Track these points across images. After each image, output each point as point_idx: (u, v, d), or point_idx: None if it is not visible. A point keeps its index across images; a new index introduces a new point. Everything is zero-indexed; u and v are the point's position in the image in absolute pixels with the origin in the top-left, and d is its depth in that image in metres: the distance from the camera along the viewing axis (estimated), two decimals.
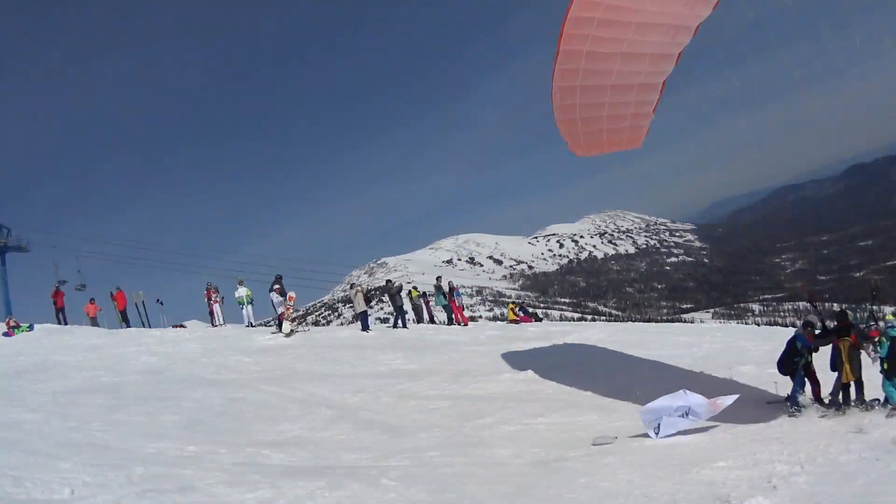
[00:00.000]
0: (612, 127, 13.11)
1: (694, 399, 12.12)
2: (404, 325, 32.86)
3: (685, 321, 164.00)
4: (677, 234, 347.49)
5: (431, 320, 36.82)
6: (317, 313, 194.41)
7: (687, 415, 12.01)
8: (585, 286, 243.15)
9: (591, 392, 17.51)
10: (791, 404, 12.41)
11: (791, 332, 15.52)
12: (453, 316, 35.12)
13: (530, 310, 48.65)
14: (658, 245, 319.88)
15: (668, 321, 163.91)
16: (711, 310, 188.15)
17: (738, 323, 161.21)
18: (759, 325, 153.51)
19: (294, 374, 20.84)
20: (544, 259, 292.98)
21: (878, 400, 11.62)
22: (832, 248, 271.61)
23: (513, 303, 45.02)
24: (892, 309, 11.54)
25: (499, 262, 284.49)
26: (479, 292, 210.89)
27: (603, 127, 13.08)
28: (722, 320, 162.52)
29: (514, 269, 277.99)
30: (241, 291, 30.93)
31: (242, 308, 30.68)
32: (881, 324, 11.92)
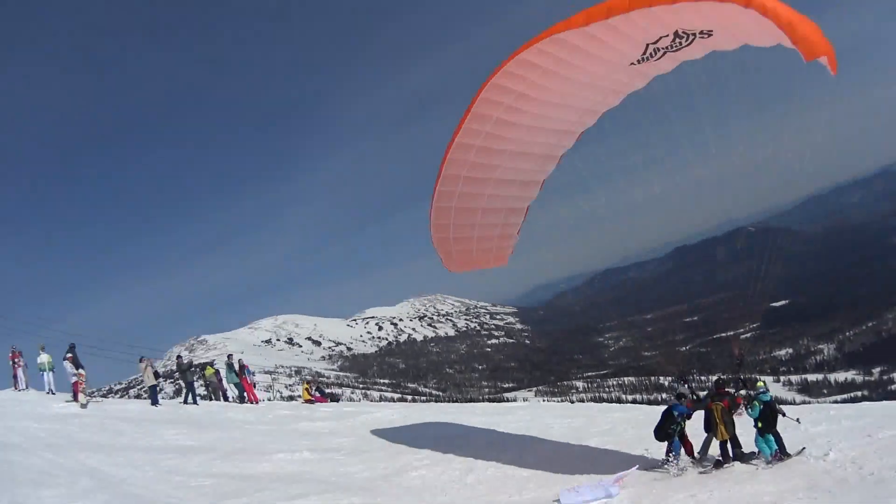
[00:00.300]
0: (482, 247, 13.94)
1: (610, 486, 12.47)
2: (194, 402, 32.87)
3: (507, 400, 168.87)
4: (498, 316, 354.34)
5: (224, 398, 36.84)
6: (138, 387, 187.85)
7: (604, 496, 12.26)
8: (405, 367, 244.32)
9: (365, 475, 17.25)
10: (672, 463, 13.24)
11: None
12: (245, 394, 35.18)
13: (327, 390, 48.93)
14: (478, 328, 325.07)
15: (489, 401, 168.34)
16: (534, 388, 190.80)
17: (561, 400, 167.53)
18: (583, 401, 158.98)
19: (73, 442, 20.31)
20: (363, 341, 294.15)
21: (755, 453, 12.98)
22: (657, 326, 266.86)
23: (307, 382, 44.04)
24: (764, 378, 11.74)
25: (318, 344, 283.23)
26: (297, 372, 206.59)
27: (473, 246, 13.84)
28: (545, 398, 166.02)
29: (333, 350, 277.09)
30: (43, 358, 30.46)
31: (44, 374, 30.21)
32: (751, 392, 13.55)
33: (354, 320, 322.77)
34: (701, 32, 10.36)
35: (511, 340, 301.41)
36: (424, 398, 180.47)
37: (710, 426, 13.28)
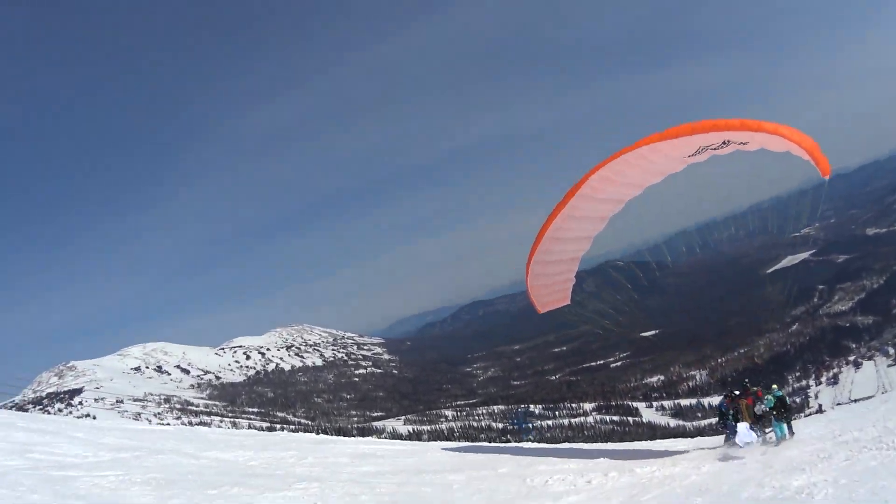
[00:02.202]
0: (555, 290, 19.03)
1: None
2: None
3: (376, 429, 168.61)
4: (366, 347, 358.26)
5: None
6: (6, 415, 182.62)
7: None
8: (273, 396, 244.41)
9: None
10: (733, 441, 17.56)
11: None
12: None
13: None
14: (346, 357, 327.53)
15: (359, 430, 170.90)
16: (403, 417, 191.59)
17: (431, 427, 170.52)
18: (453, 430, 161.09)
19: None
20: (231, 370, 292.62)
21: (775, 432, 17.59)
22: (526, 356, 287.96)
23: None
24: (775, 385, 16.28)
25: (186, 372, 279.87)
26: (166, 400, 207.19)
27: (552, 290, 18.93)
28: (415, 426, 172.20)
29: (202, 378, 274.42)
30: None
31: None
32: (766, 392, 17.92)
33: (223, 349, 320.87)
34: (741, 142, 14.84)
35: (378, 370, 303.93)
36: (292, 427, 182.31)
37: (738, 416, 18.11)
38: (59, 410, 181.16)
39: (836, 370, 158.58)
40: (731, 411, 17.73)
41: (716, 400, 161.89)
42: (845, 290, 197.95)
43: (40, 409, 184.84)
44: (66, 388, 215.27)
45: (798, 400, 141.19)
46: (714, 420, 19.48)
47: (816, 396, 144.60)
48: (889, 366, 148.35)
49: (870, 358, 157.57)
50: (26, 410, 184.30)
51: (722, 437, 19.09)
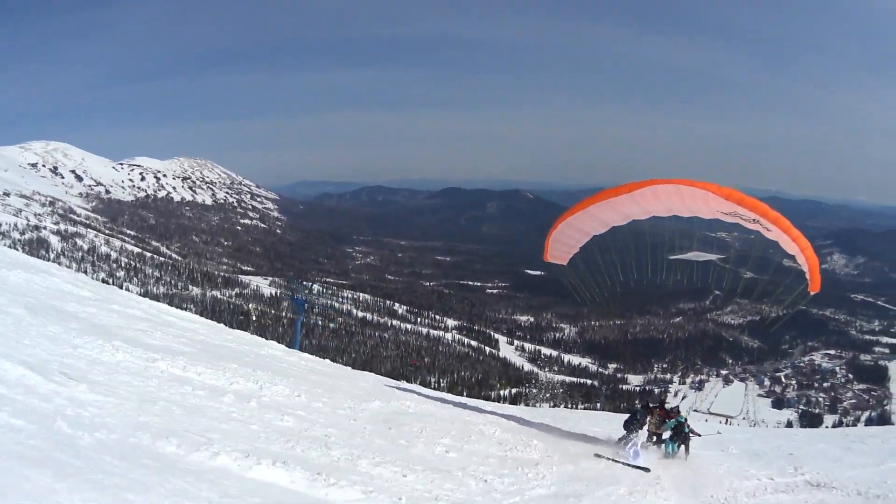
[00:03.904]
0: (561, 250, 20.44)
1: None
2: None
3: (242, 283, 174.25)
4: (259, 199, 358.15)
5: None
6: None
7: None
8: (154, 224, 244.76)
9: None
10: (628, 444, 17.80)
11: None
12: None
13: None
14: (236, 204, 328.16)
15: (223, 278, 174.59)
16: (269, 278, 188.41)
17: (294, 296, 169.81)
18: (314, 304, 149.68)
19: None
20: (123, 187, 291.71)
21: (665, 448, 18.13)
22: (408, 254, 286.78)
23: None
24: (687, 407, 19.89)
25: (80, 179, 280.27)
26: (51, 203, 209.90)
27: (559, 248, 20.41)
28: (278, 290, 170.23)
29: (93, 189, 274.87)
30: None
31: None
32: (675, 416, 18.44)
33: (121, 164, 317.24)
34: (766, 228, 15.93)
35: (264, 225, 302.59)
36: (162, 258, 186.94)
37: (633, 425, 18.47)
38: None
39: (704, 377, 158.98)
40: (642, 418, 18.46)
41: (578, 360, 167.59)
42: (741, 305, 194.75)
43: None
44: None
45: (656, 390, 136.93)
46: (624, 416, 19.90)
47: (675, 394, 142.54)
48: (759, 395, 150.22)
49: (742, 380, 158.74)
50: None
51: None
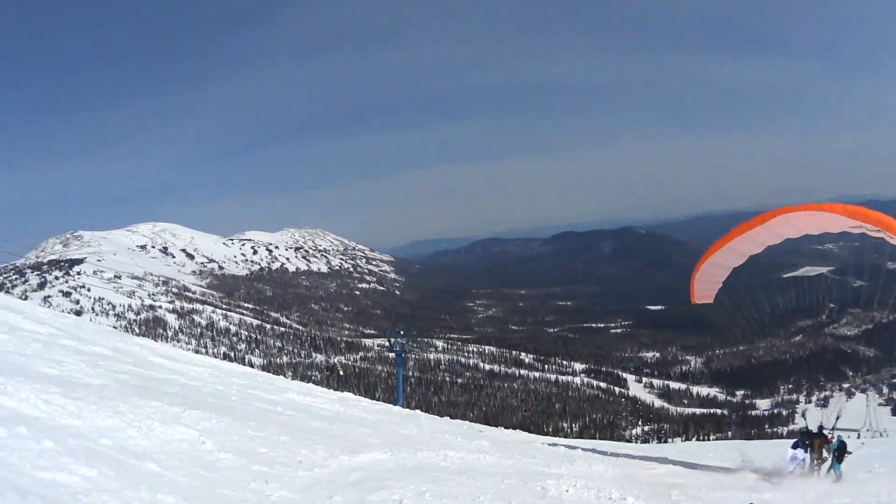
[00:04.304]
0: (707, 288, 20.91)
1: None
2: None
3: (365, 346, 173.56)
4: (374, 262, 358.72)
5: None
6: (4, 275, 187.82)
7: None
8: (272, 295, 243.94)
9: None
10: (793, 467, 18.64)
11: None
12: None
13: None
14: (352, 269, 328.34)
15: (347, 343, 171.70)
16: (394, 339, 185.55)
17: (417, 355, 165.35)
18: (440, 361, 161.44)
19: None
20: (236, 262, 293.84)
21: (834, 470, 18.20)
22: (529, 303, 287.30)
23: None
24: (839, 434, 17.54)
25: (191, 257, 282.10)
26: (165, 283, 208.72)
27: (704, 288, 20.89)
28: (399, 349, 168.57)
29: (206, 266, 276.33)
30: None
31: None
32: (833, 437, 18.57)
33: (231, 240, 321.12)
34: (876, 231, 16.49)
35: (382, 288, 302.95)
36: (283, 328, 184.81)
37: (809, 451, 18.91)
38: (56, 278, 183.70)
39: (828, 393, 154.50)
40: (806, 444, 18.65)
41: (707, 391, 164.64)
42: (854, 315, 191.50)
43: (38, 275, 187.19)
44: (68, 257, 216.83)
45: (784, 413, 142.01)
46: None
47: (803, 415, 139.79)
48: (879, 404, 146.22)
49: (863, 391, 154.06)
50: (24, 274, 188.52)
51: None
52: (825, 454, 18.18)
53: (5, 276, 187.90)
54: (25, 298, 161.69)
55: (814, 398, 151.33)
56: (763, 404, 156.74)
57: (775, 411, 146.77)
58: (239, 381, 25.49)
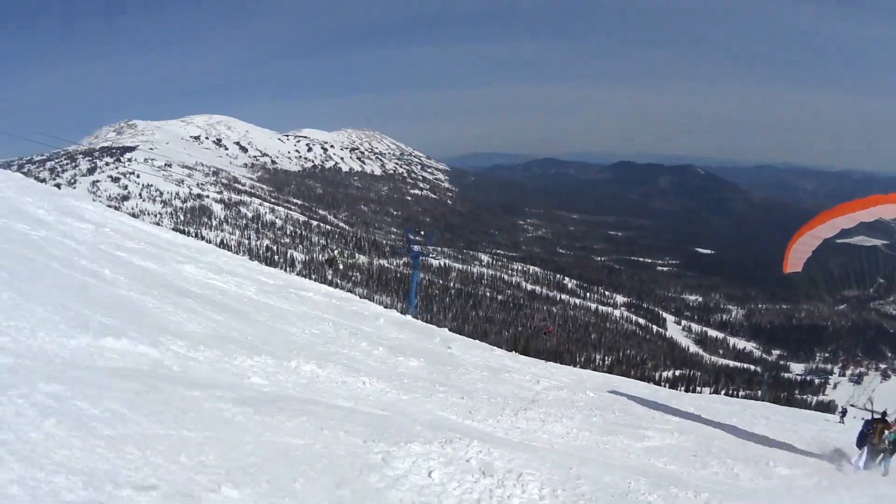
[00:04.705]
0: (793, 261, 20.41)
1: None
2: None
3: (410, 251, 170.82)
4: (429, 169, 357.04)
5: None
6: (56, 160, 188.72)
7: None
8: (322, 193, 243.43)
9: None
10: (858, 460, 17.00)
11: None
12: None
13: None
14: (406, 174, 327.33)
15: (390, 247, 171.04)
16: (440, 248, 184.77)
17: (462, 266, 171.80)
18: (482, 276, 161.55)
19: None
20: (289, 158, 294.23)
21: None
22: (580, 228, 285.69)
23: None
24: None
25: (244, 150, 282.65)
26: (215, 174, 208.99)
27: (796, 259, 20.37)
28: (447, 260, 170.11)
29: (258, 160, 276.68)
30: None
31: None
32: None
33: (287, 135, 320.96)
34: None
35: (434, 196, 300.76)
36: (330, 226, 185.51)
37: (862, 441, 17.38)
38: (107, 164, 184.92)
39: (863, 370, 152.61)
40: (870, 432, 17.25)
41: (744, 344, 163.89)
42: None
43: (89, 160, 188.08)
44: (121, 144, 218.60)
45: (817, 381, 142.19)
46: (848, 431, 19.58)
47: (835, 387, 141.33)
48: None
49: None
50: (75, 160, 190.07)
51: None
52: (886, 444, 16.71)
53: (57, 160, 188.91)
54: (74, 183, 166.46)
55: (848, 372, 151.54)
56: (797, 368, 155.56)
57: (808, 378, 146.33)
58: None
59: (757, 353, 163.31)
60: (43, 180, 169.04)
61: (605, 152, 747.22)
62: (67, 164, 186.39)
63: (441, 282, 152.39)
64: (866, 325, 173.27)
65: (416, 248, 48.24)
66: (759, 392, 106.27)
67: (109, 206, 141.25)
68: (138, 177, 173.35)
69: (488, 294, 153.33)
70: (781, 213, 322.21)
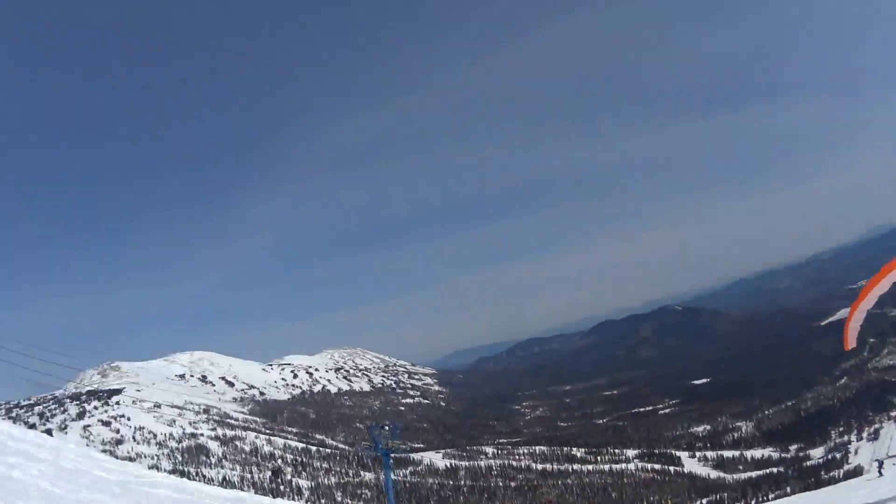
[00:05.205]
0: (854, 333, 20.74)
1: None
2: None
3: (414, 461, 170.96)
4: (416, 376, 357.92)
5: None
6: (44, 405, 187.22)
7: None
8: (315, 418, 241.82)
9: None
10: None
11: None
12: None
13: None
14: (394, 385, 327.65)
15: (394, 459, 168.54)
16: (442, 451, 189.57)
17: (469, 463, 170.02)
18: (491, 468, 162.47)
19: None
20: (277, 387, 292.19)
21: None
22: (576, 398, 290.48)
23: None
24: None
25: (231, 385, 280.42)
26: (205, 411, 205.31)
27: (853, 333, 20.68)
28: (453, 461, 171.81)
29: (246, 392, 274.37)
30: None
31: None
32: None
33: (271, 365, 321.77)
34: None
35: (426, 401, 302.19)
36: (329, 450, 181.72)
37: None
38: (95, 408, 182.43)
39: (877, 425, 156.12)
40: None
41: (760, 453, 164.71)
42: (895, 344, 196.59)
43: (77, 405, 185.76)
44: (107, 387, 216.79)
45: (838, 456, 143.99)
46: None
47: (856, 452, 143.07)
48: None
49: None
50: (63, 405, 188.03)
51: None
52: None
53: (45, 405, 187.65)
54: (65, 428, 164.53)
55: (864, 434, 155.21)
56: (817, 453, 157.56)
57: (829, 457, 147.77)
58: None
59: (776, 455, 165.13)
60: (33, 425, 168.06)
61: (583, 319, 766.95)
62: (56, 408, 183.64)
63: (451, 482, 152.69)
64: (869, 387, 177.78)
65: (382, 445, 44.98)
66: (788, 489, 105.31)
67: (104, 451, 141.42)
68: (129, 419, 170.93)
69: (500, 483, 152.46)
70: (764, 321, 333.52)
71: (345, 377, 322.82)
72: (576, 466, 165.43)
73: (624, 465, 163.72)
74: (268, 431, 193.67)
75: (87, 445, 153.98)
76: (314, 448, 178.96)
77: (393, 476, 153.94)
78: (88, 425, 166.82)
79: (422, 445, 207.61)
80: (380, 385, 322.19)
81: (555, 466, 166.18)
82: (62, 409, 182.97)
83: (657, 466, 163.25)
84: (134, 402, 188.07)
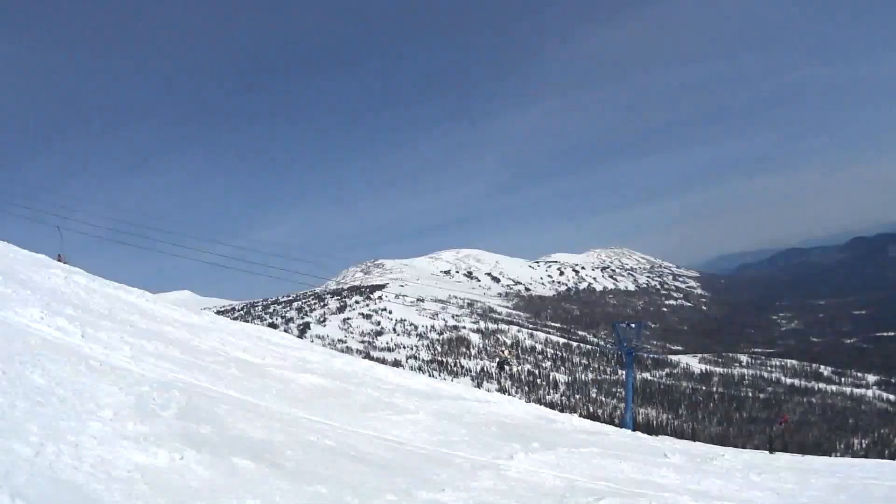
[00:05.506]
0: None
1: None
2: None
3: (671, 363, 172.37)
4: (681, 279, 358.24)
5: None
6: (303, 300, 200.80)
7: None
8: (579, 314, 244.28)
9: None
10: None
11: None
12: None
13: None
14: (659, 286, 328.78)
15: (652, 359, 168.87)
16: (699, 355, 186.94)
17: (723, 370, 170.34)
18: (744, 376, 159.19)
19: None
20: (542, 283, 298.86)
21: None
22: (828, 313, 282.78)
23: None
24: None
25: (496, 280, 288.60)
26: (469, 305, 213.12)
27: None
28: (708, 366, 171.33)
29: (511, 288, 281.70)
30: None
31: None
32: None
33: (537, 262, 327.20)
34: None
35: (689, 304, 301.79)
36: (589, 346, 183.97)
37: None
38: (357, 302, 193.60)
39: None
40: None
41: None
42: None
43: (337, 299, 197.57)
44: (369, 283, 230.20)
45: None
46: None
47: None
48: None
49: None
50: (323, 300, 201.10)
51: None
52: None
53: (304, 300, 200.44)
54: (324, 321, 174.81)
55: None
56: None
57: None
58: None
59: None
60: (290, 319, 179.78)
61: (840, 232, 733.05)
62: (315, 303, 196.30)
63: (704, 388, 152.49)
64: None
65: (626, 343, 43.33)
66: None
67: (363, 342, 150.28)
68: (390, 313, 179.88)
69: (750, 394, 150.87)
70: None
71: (610, 276, 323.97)
72: (821, 385, 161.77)
73: (863, 391, 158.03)
74: (531, 326, 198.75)
75: (346, 337, 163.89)
76: (575, 344, 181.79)
77: (649, 377, 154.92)
78: (348, 318, 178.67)
79: (680, 348, 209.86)
80: (644, 285, 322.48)
81: (802, 383, 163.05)
82: (322, 303, 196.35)
83: (892, 397, 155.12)
84: (396, 296, 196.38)
